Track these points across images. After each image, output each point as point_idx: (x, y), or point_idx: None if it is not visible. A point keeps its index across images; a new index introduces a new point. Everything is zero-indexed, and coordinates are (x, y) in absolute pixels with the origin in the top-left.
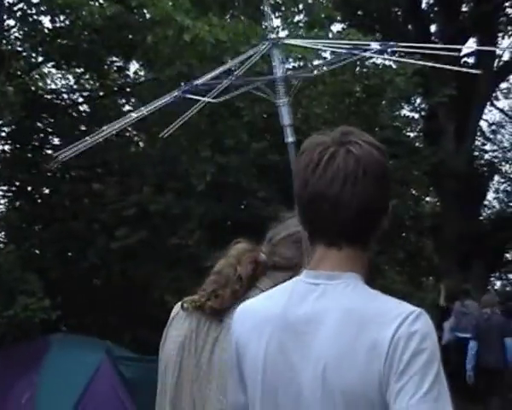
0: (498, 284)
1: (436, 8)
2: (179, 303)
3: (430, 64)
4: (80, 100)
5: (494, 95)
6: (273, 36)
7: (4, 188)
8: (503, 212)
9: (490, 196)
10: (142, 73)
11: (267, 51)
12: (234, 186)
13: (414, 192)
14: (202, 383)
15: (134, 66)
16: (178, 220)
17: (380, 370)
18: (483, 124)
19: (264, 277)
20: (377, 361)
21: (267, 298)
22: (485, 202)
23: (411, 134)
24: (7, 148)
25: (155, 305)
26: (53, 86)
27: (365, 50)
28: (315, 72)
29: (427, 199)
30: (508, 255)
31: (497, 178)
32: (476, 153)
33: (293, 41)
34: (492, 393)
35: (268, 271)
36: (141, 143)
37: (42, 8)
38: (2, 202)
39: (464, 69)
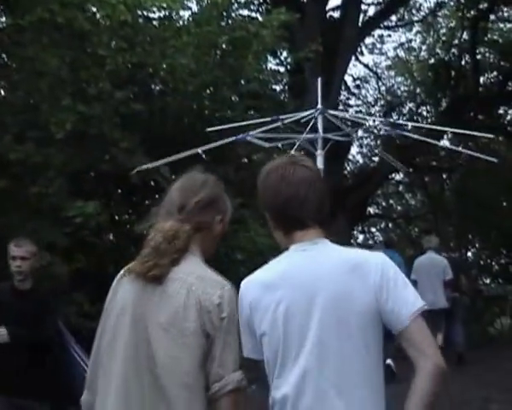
0: (361, 237)
1: None
2: (122, 272)
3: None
4: None
5: (359, 50)
6: (319, 106)
7: None
8: (366, 166)
9: (353, 150)
10: (2, 19)
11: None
12: (96, 136)
13: (279, 145)
14: (152, 334)
15: None
16: (39, 169)
17: (376, 290)
18: (348, 78)
19: (190, 240)
20: (372, 287)
21: (267, 270)
22: (349, 157)
23: (277, 88)
24: None
25: None
26: None
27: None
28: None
29: (292, 152)
30: (370, 209)
31: (360, 132)
32: (341, 107)
33: (336, 112)
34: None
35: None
36: (1, 91)
37: None
38: None
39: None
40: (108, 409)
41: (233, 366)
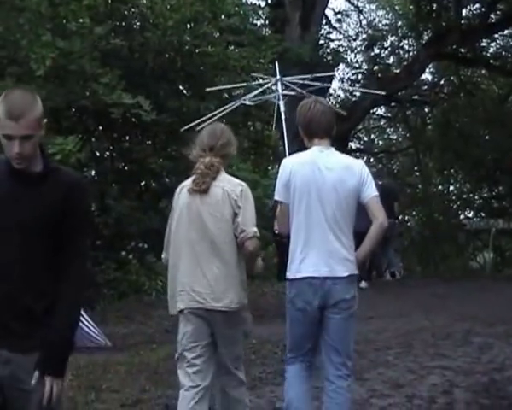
0: None
1: None
2: (181, 187)
3: None
4: None
5: None
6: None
7: None
8: (348, 101)
9: (335, 84)
10: None
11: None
12: (76, 71)
13: (259, 81)
14: (200, 216)
15: None
16: None
17: (358, 181)
18: (329, 12)
19: (220, 166)
20: (357, 178)
21: (301, 155)
22: (331, 91)
23: (257, 22)
24: None
25: None
26: None
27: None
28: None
29: (273, 88)
30: (351, 144)
31: (342, 66)
32: (322, 41)
33: (291, 78)
34: None
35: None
36: None
37: None
38: None
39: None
40: (181, 267)
41: (251, 224)
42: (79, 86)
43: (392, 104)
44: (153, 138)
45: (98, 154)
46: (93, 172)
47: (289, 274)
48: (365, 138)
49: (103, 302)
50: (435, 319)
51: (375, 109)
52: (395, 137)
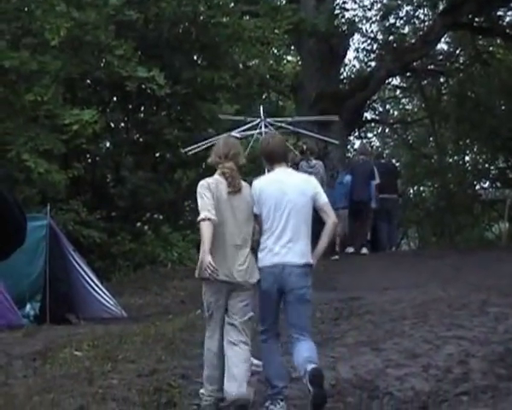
0: (358, 143)
1: None
2: (213, 183)
3: None
4: None
5: None
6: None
7: None
8: (363, 71)
9: (350, 55)
10: None
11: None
12: (91, 43)
13: (275, 51)
14: (235, 212)
15: None
16: (34, 77)
17: (313, 192)
18: None
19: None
20: (312, 190)
21: (268, 176)
22: (346, 61)
23: None
24: None
25: (12, 163)
26: None
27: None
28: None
29: (289, 58)
30: (366, 115)
31: (357, 36)
32: (337, 11)
33: (274, 119)
34: (363, 217)
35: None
36: None
37: None
38: None
39: None
40: (224, 253)
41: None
42: (94, 57)
43: (408, 74)
44: (168, 109)
45: (113, 125)
46: (108, 144)
47: (259, 263)
48: (380, 109)
49: (119, 274)
50: (451, 289)
51: (390, 79)
52: (410, 107)
